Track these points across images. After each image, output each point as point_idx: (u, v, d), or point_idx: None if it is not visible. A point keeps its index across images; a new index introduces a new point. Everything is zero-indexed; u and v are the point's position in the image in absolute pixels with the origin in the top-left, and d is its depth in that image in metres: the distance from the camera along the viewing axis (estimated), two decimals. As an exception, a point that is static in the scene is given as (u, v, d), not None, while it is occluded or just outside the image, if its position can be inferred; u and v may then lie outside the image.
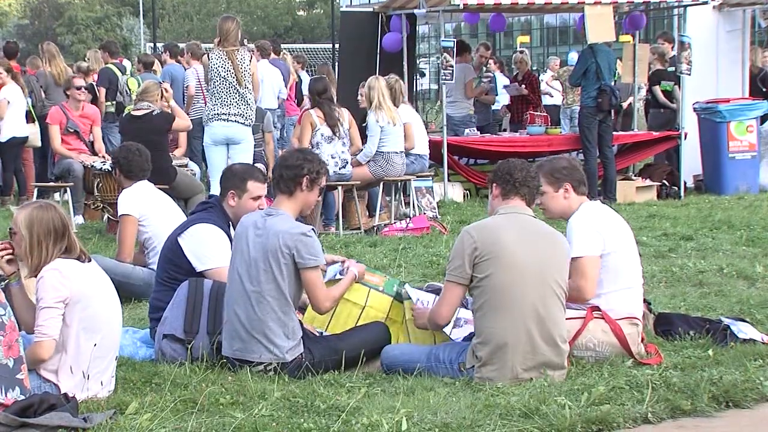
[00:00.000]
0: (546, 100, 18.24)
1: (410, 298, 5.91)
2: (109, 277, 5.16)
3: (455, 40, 14.04)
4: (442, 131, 12.74)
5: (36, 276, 4.92)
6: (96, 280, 5.00)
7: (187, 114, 13.17)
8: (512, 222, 5.31)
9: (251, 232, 5.53)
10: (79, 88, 11.68)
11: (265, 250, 5.44)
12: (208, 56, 10.31)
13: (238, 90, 9.94)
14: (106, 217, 10.59)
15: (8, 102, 12.55)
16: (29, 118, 12.82)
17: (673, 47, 14.06)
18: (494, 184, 5.45)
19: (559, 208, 5.73)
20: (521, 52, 17.52)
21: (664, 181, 13.32)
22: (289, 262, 5.43)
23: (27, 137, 12.84)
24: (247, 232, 5.55)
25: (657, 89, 14.11)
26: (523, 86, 16.11)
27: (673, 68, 13.81)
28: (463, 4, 12.64)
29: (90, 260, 5.03)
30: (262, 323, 5.42)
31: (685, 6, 13.52)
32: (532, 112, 14.74)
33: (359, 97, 11.11)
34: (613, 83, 13.39)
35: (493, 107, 16.67)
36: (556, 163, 5.86)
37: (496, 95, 16.93)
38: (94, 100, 12.85)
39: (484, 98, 15.60)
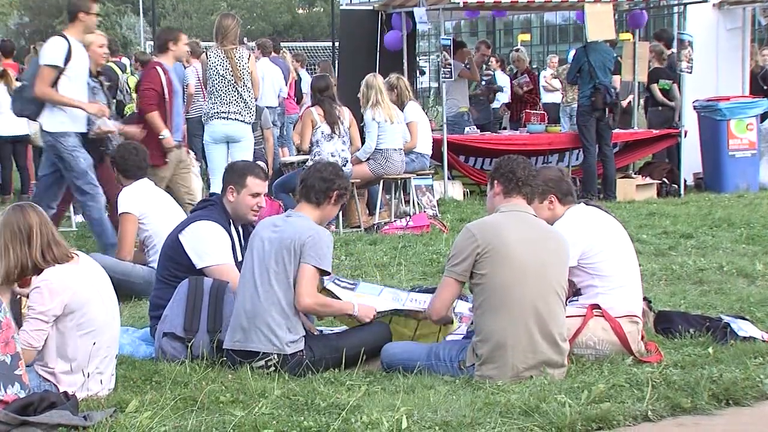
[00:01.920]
0: (546, 98, 18.24)
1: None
2: (107, 275, 5.16)
3: (452, 38, 14.03)
4: (442, 129, 12.74)
5: (8, 283, 4.89)
6: (91, 282, 4.97)
7: (187, 112, 13.19)
8: (514, 220, 5.31)
9: (269, 229, 5.61)
10: None
11: (281, 242, 5.50)
12: (206, 55, 10.32)
13: (236, 88, 9.95)
14: (106, 215, 10.58)
15: None
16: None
17: (669, 46, 14.07)
18: (496, 182, 5.44)
19: (543, 218, 5.68)
20: (517, 50, 17.50)
21: (664, 179, 13.32)
22: (299, 257, 5.46)
23: (22, 136, 12.74)
24: (264, 229, 5.63)
25: (655, 87, 14.12)
26: (525, 76, 16.13)
27: (669, 67, 13.82)
28: (463, 3, 12.64)
29: (75, 257, 4.98)
30: (266, 313, 5.43)
31: (685, 4, 13.51)
32: (528, 110, 14.72)
33: (359, 96, 11.11)
34: (619, 81, 13.39)
35: (493, 105, 16.67)
36: (544, 174, 5.85)
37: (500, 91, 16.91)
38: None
39: (468, 75, 14.98)
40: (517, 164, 5.42)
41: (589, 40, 12.79)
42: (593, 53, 12.60)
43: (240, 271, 5.76)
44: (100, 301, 4.97)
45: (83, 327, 4.86)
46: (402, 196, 11.37)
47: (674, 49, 13.80)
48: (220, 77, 9.94)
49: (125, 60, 15.35)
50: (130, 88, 13.40)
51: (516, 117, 16.00)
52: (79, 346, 4.87)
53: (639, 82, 14.46)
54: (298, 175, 6.50)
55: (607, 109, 12.69)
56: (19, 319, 5.00)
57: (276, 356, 5.42)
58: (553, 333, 5.19)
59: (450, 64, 12.72)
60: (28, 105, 8.54)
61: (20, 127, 12.67)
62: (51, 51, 8.41)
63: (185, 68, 14.06)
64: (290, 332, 5.46)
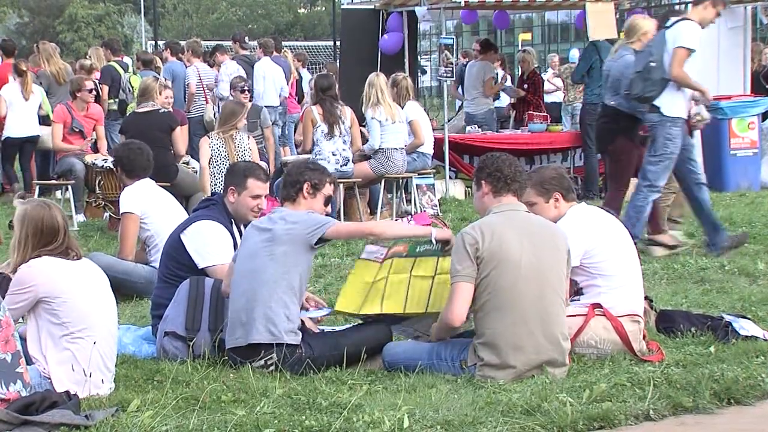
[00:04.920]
0: (547, 98, 18.19)
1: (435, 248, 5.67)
2: (104, 275, 5.17)
3: (454, 36, 14.04)
4: (443, 128, 12.73)
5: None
6: (82, 277, 4.99)
7: (188, 112, 13.21)
8: (508, 220, 5.28)
9: (256, 230, 5.64)
10: (90, 91, 11.69)
11: (274, 235, 5.51)
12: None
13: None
14: (107, 214, 10.61)
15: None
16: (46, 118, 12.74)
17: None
18: (483, 182, 5.39)
19: (549, 218, 5.66)
20: (525, 50, 17.42)
21: (666, 178, 13.28)
22: (295, 242, 5.48)
23: (34, 136, 12.72)
24: (252, 232, 5.65)
25: None
26: (525, 85, 16.09)
27: None
28: (464, 2, 12.63)
29: (79, 258, 5.04)
30: (264, 304, 5.43)
31: (686, 2, 13.50)
32: (531, 112, 14.70)
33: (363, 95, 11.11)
34: None
35: (496, 104, 16.63)
36: (543, 173, 5.83)
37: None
38: (97, 98, 12.84)
39: (515, 94, 15.36)
40: (503, 162, 5.37)
41: (590, 39, 12.77)
42: (604, 51, 12.55)
43: None
44: (89, 296, 4.96)
45: (76, 319, 4.87)
46: (403, 196, 11.38)
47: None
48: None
49: (127, 59, 15.34)
50: (132, 87, 13.40)
51: (519, 117, 15.98)
52: (79, 341, 4.87)
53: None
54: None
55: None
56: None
57: (275, 354, 5.40)
58: (555, 332, 5.19)
59: (451, 64, 12.70)
60: (654, 86, 8.40)
61: (33, 127, 12.67)
62: (691, 34, 8.35)
63: (186, 68, 14.12)
64: (289, 320, 5.46)
